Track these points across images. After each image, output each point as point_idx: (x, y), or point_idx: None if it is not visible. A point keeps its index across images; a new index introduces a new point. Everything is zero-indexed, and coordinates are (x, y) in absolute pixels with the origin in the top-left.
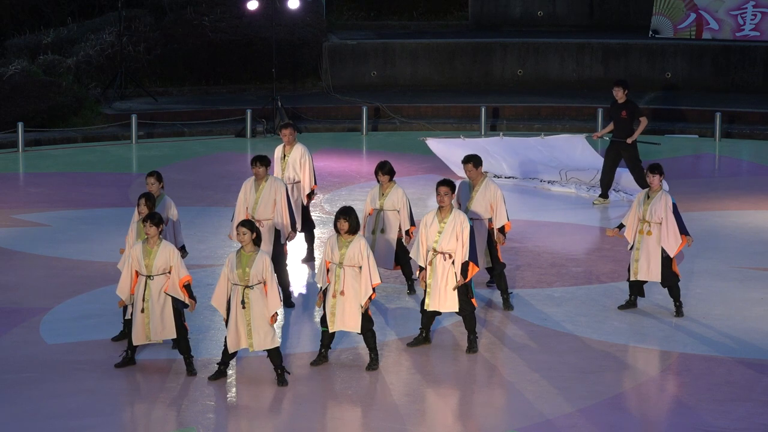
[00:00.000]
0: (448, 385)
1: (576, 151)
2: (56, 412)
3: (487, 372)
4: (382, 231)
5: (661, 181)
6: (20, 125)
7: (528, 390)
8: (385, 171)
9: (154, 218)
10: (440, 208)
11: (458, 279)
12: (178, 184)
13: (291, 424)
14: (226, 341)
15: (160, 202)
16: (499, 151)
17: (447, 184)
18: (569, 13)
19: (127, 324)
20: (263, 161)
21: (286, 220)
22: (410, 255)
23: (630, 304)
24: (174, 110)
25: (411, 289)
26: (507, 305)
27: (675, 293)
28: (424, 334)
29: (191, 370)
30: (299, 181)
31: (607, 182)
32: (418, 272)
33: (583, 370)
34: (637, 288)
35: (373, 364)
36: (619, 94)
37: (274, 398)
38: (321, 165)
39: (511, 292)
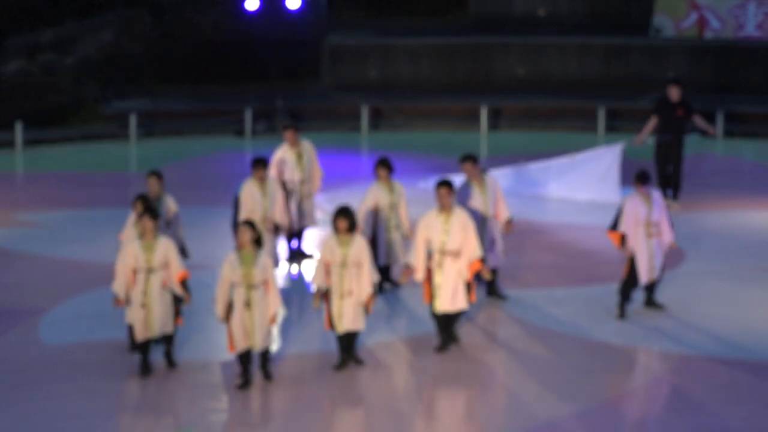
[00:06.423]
0: (449, 385)
1: (596, 173)
2: (55, 413)
3: (488, 373)
4: (397, 227)
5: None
6: (19, 125)
7: (528, 390)
8: (387, 167)
9: (153, 213)
10: (441, 209)
11: (467, 276)
12: (178, 184)
13: (290, 425)
14: (235, 347)
15: (161, 202)
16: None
17: (446, 184)
18: (570, 12)
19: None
20: (267, 164)
21: (285, 217)
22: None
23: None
24: (173, 110)
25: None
26: (499, 296)
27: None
28: (446, 337)
29: (171, 362)
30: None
31: (675, 183)
32: (406, 273)
33: (584, 371)
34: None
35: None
36: (675, 93)
37: (273, 399)
38: (321, 165)
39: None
